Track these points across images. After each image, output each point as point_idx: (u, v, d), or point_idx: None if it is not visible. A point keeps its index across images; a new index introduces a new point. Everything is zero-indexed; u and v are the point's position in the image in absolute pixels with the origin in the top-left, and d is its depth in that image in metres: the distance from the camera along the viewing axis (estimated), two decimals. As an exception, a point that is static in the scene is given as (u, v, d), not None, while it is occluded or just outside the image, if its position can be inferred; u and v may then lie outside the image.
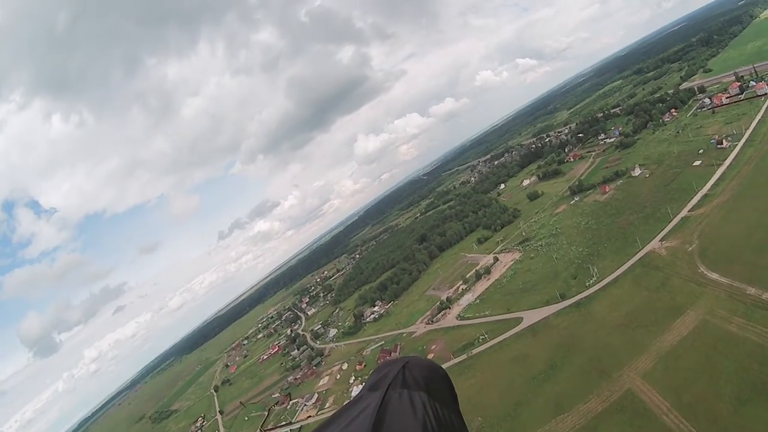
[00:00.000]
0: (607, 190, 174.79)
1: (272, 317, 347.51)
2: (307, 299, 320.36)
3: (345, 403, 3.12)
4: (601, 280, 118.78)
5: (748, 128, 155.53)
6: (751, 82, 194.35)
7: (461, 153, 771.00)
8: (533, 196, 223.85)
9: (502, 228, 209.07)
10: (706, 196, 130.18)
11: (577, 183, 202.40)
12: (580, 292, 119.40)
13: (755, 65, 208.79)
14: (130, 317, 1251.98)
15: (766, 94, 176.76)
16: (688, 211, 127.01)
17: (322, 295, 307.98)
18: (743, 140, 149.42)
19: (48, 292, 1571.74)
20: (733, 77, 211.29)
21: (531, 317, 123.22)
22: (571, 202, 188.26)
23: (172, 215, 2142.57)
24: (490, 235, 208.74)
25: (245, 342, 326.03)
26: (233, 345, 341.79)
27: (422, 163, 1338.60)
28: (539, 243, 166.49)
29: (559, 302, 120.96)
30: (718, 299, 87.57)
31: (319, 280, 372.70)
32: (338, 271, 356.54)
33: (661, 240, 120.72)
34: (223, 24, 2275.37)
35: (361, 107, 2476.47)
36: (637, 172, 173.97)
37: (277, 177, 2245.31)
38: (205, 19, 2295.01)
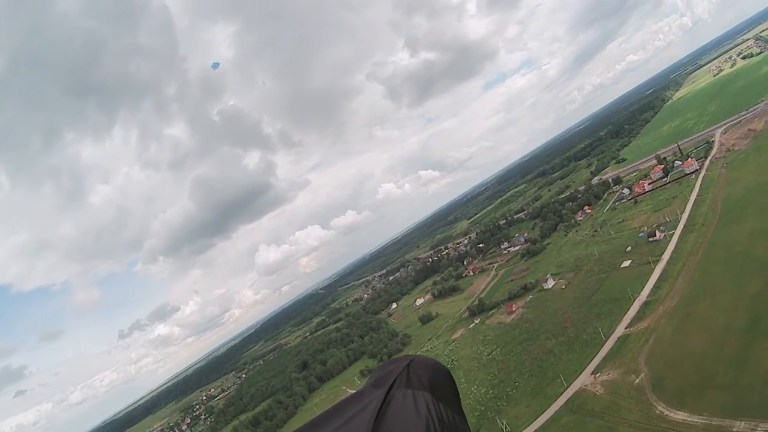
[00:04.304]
0: (513, 308, 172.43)
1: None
2: (189, 420, 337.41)
3: (346, 397, 3.51)
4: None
5: (683, 212, 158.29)
6: (677, 162, 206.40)
7: (360, 266, 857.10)
8: (426, 319, 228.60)
9: (389, 358, 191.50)
10: (646, 303, 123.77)
11: (476, 302, 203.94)
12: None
13: (679, 143, 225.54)
14: (32, 403, 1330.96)
15: (697, 170, 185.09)
16: (626, 328, 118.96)
17: (203, 417, 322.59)
18: (681, 226, 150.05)
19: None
20: (654, 161, 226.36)
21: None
22: (471, 326, 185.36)
23: (75, 305, 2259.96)
24: (375, 367, 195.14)
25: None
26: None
27: (322, 276, 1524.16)
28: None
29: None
30: (692, 449, 78.48)
31: (205, 398, 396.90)
32: (223, 390, 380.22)
33: (594, 372, 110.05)
34: (140, 111, 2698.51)
35: (263, 216, 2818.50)
36: (550, 283, 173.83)
37: (178, 281, 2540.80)
38: (124, 103, 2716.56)
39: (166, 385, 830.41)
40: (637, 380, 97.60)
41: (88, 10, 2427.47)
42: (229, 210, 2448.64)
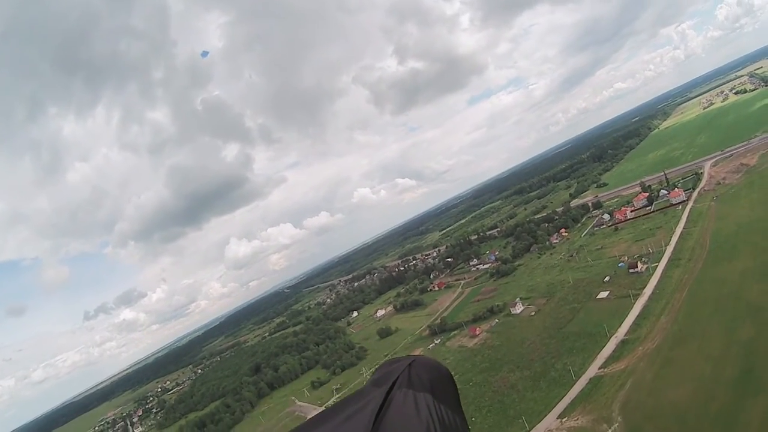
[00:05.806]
0: (477, 332, 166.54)
1: (108, 423, 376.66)
2: (141, 412, 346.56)
3: (347, 396, 3.59)
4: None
5: (668, 244, 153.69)
6: (662, 190, 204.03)
7: (328, 269, 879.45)
8: (385, 333, 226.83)
9: (342, 371, 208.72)
10: (624, 342, 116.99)
11: (439, 320, 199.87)
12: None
13: (666, 171, 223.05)
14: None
15: (683, 201, 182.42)
16: (600, 368, 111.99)
17: (155, 411, 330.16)
18: (665, 259, 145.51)
19: None
20: (638, 188, 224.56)
21: None
22: (430, 346, 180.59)
23: (43, 282, 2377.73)
24: (327, 379, 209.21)
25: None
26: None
27: (290, 274, 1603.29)
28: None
29: None
30: None
31: (160, 390, 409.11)
32: (178, 384, 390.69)
33: (561, 416, 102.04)
34: (125, 92, 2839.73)
35: (236, 210, 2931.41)
36: (519, 308, 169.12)
37: (146, 267, 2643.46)
38: (110, 82, 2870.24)
39: (126, 372, 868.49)
40: (610, 430, 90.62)
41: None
42: (203, 200, 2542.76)
